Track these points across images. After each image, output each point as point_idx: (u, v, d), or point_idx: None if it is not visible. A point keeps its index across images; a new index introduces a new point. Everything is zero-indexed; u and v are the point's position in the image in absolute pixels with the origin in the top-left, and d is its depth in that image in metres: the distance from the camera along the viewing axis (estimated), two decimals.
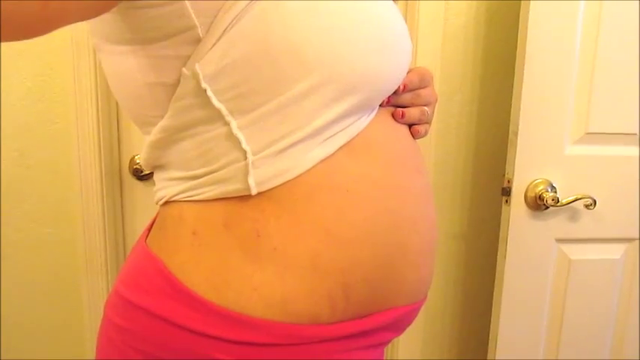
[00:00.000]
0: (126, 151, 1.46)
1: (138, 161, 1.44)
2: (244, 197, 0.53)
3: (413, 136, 0.64)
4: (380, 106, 0.60)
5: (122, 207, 1.49)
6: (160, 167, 0.60)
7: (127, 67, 0.54)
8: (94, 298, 1.46)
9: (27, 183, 1.40)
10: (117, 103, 1.43)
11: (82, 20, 0.47)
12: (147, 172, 1.41)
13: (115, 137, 1.44)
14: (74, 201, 1.42)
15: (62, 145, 1.39)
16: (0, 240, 1.41)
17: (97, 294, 1.46)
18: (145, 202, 1.49)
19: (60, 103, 1.37)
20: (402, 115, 0.62)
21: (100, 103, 1.36)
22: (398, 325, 0.63)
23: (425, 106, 0.65)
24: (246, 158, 0.52)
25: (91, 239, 1.43)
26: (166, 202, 0.58)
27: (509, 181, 1.33)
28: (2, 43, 1.26)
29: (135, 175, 1.45)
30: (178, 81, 0.52)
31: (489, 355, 1.45)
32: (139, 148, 1.45)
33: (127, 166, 1.45)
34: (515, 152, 1.31)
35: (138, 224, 1.50)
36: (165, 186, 0.59)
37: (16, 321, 1.46)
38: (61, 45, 1.34)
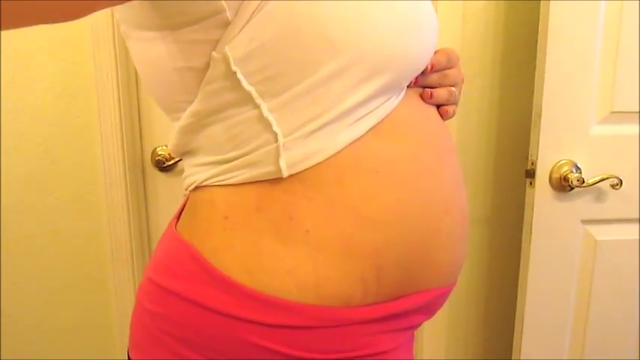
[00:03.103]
0: (148, 143, 1.47)
1: (160, 153, 1.45)
2: (275, 180, 0.53)
3: (442, 117, 0.64)
4: (407, 87, 0.59)
5: (145, 198, 1.50)
6: (190, 153, 0.60)
7: (156, 53, 0.54)
8: (121, 289, 1.48)
9: (52, 177, 1.41)
10: (138, 96, 1.43)
11: (113, 5, 0.47)
12: (175, 160, 1.43)
13: (137, 129, 1.45)
14: (98, 193, 1.43)
15: (85, 138, 1.40)
16: (25, 234, 1.43)
17: (123, 285, 1.47)
18: (167, 193, 1.49)
19: (82, 97, 1.38)
20: (431, 96, 0.62)
21: (121, 96, 1.37)
22: (429, 308, 0.63)
23: (452, 86, 0.65)
24: (276, 141, 0.52)
25: (116, 231, 1.44)
26: (197, 188, 0.59)
27: (533, 163, 1.32)
28: (23, 39, 1.28)
29: (157, 167, 1.46)
30: (207, 65, 0.52)
31: (516, 338, 1.44)
32: (161, 139, 1.46)
33: (150, 157, 1.46)
34: (539, 134, 1.29)
35: (161, 215, 1.51)
36: (195, 172, 0.59)
37: (43, 314, 1.49)
38: (81, 39, 1.35)
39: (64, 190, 1.43)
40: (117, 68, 1.36)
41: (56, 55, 1.36)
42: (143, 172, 1.48)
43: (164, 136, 1.45)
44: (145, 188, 1.49)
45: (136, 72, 1.41)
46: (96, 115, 1.38)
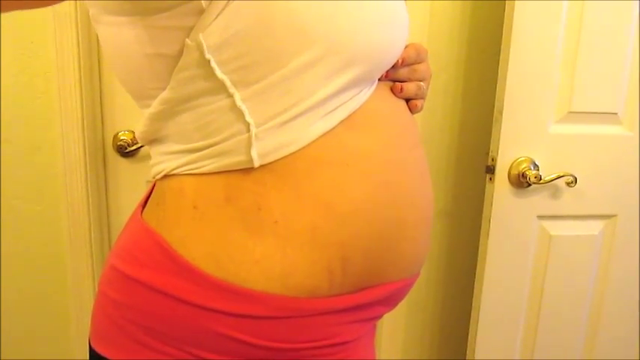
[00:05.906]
0: (109, 128, 1.43)
1: (122, 138, 1.42)
2: (245, 170, 0.53)
3: (411, 111, 0.65)
4: (378, 80, 0.60)
5: (106, 183, 1.47)
6: (158, 141, 0.59)
7: (126, 38, 0.53)
8: (79, 275, 1.45)
9: (9, 159, 1.37)
10: (100, 78, 1.40)
11: None
12: (137, 145, 1.40)
13: (98, 113, 1.41)
14: (57, 177, 1.40)
15: (45, 120, 1.36)
16: None
17: (81, 271, 1.45)
18: (128, 179, 1.47)
19: (42, 77, 1.34)
20: (401, 90, 0.63)
21: (83, 78, 1.34)
22: (392, 299, 0.64)
23: (421, 81, 0.66)
24: (249, 130, 0.52)
25: (75, 216, 1.41)
26: (165, 176, 0.58)
27: (493, 159, 1.35)
28: None
29: (119, 152, 1.43)
30: (179, 52, 0.51)
31: (471, 328, 1.48)
32: (123, 124, 1.43)
33: (111, 142, 1.44)
34: (500, 131, 1.32)
35: (122, 201, 1.49)
36: (163, 160, 0.58)
37: None
38: (42, 18, 1.31)
39: (21, 173, 1.39)
40: (79, 48, 1.32)
41: (15, 33, 1.31)
42: (104, 156, 1.45)
43: (126, 121, 1.43)
44: (105, 173, 1.46)
45: (99, 53, 1.38)
46: (56, 97, 1.34)
